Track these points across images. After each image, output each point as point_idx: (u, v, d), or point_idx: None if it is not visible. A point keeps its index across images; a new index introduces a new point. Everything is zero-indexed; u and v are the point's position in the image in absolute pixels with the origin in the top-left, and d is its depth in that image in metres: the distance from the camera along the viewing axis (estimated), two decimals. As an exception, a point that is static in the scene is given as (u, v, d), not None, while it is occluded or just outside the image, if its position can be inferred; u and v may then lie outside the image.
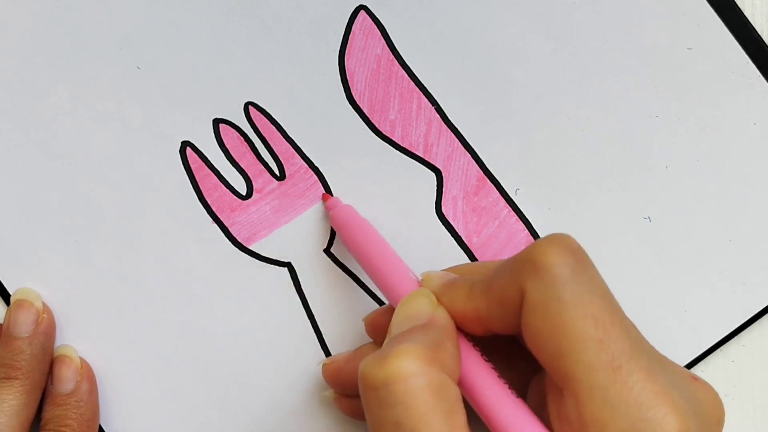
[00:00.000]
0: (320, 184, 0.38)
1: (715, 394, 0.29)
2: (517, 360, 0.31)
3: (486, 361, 0.30)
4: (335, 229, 0.38)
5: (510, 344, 0.31)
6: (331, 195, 0.38)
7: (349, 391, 0.36)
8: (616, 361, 0.26)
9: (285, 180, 0.39)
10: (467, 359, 0.29)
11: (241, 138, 0.38)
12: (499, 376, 0.29)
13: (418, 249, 0.39)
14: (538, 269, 0.27)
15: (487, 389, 0.29)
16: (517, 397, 0.29)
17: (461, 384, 0.29)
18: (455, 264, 0.37)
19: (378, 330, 0.35)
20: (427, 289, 0.31)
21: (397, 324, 0.30)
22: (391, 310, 0.32)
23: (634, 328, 0.28)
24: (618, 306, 0.28)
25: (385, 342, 0.30)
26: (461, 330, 0.30)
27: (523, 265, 0.28)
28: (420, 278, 0.33)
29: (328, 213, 0.38)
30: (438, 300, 0.31)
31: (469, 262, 0.38)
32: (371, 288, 0.39)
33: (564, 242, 0.28)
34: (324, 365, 0.36)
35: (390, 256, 0.34)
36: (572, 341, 0.26)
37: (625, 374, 0.26)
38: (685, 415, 0.26)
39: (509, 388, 0.29)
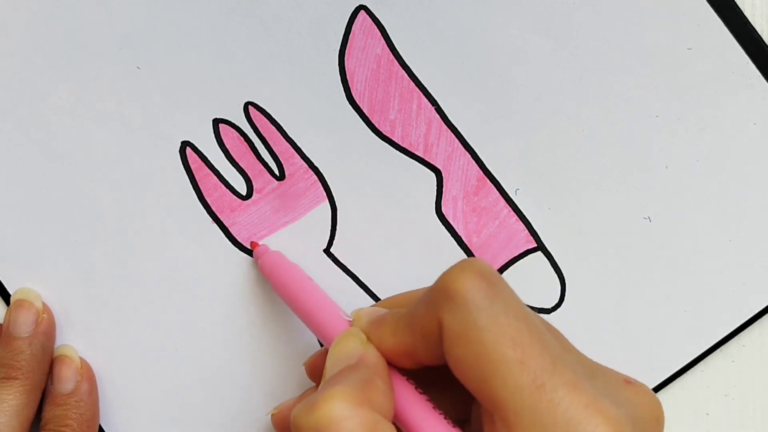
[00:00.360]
0: (320, 184, 0.38)
1: (651, 395, 0.29)
2: (456, 388, 0.31)
3: (420, 393, 0.30)
4: (264, 277, 0.37)
5: (447, 373, 0.31)
6: (259, 245, 0.38)
7: None
8: (539, 380, 0.26)
9: (285, 180, 0.39)
10: (401, 394, 0.29)
11: (241, 138, 0.38)
12: (434, 408, 0.29)
13: (418, 249, 0.39)
14: (451, 298, 0.27)
15: (422, 421, 0.28)
16: (454, 427, 0.28)
17: (397, 419, 0.29)
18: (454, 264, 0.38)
19: (317, 373, 0.35)
20: (356, 329, 0.31)
21: (329, 367, 0.30)
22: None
23: (555, 344, 0.27)
24: (536, 324, 0.27)
25: (319, 387, 0.30)
26: (394, 366, 0.30)
27: (438, 296, 0.28)
28: (350, 318, 0.33)
29: (256, 261, 0.38)
30: (368, 338, 0.31)
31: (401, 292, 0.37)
32: (371, 288, 0.39)
33: (475, 267, 0.28)
34: (273, 415, 0.36)
35: (320, 298, 0.34)
36: (494, 365, 0.26)
37: (549, 391, 0.26)
38: (618, 422, 0.26)
39: (445, 418, 0.29)
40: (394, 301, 0.34)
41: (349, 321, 0.32)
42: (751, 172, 0.39)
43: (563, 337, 0.29)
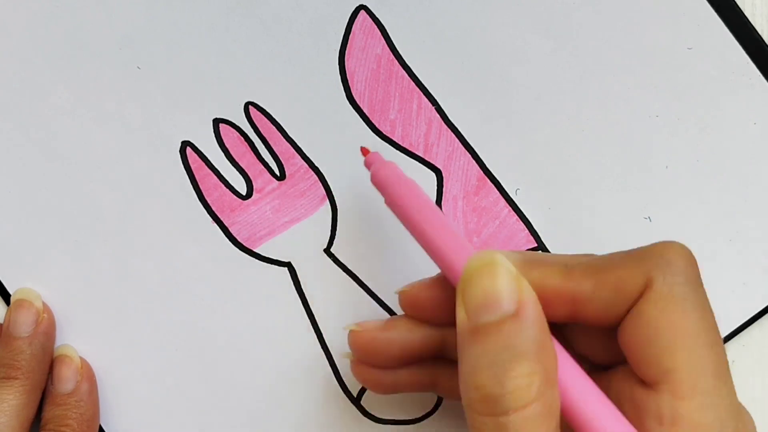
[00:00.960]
0: (320, 184, 0.39)
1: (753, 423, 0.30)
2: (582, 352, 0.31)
3: (569, 353, 0.29)
4: (377, 189, 0.34)
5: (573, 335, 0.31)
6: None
7: (374, 361, 0.34)
8: (719, 369, 0.27)
9: (285, 180, 0.39)
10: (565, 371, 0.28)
11: (241, 138, 0.38)
12: (582, 369, 0.28)
13: (419, 249, 0.39)
14: (671, 265, 0.28)
15: (577, 387, 0.27)
16: (600, 391, 0.28)
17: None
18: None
19: (418, 306, 0.32)
20: (501, 256, 0.27)
21: (475, 304, 0.26)
22: (436, 285, 0.31)
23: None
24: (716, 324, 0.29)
25: (462, 327, 0.26)
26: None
27: (653, 258, 0.28)
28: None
29: (369, 170, 0.35)
30: (523, 276, 0.27)
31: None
32: (371, 288, 0.39)
33: (688, 251, 0.29)
34: (353, 332, 0.33)
35: (445, 222, 0.31)
36: (686, 339, 0.27)
37: (727, 382, 0.27)
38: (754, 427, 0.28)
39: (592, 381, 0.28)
40: (531, 255, 0.31)
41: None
42: (751, 172, 0.39)
43: None
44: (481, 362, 0.25)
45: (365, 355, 0.34)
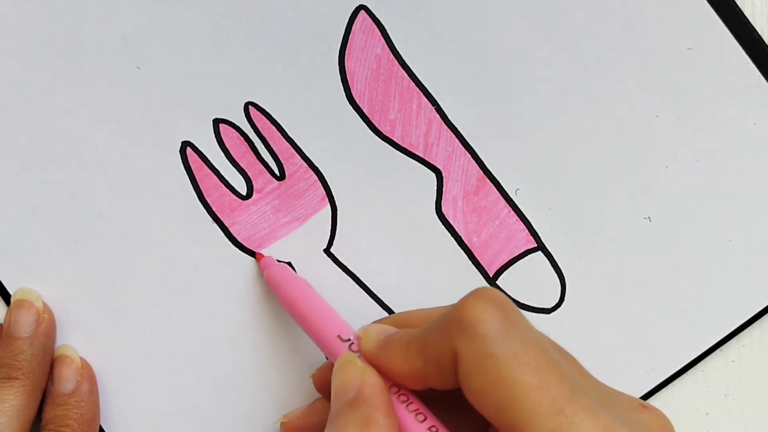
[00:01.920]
0: (320, 184, 0.39)
1: (665, 419, 0.29)
2: (468, 411, 0.31)
3: (422, 422, 0.30)
4: (270, 290, 0.38)
5: (460, 396, 0.31)
6: (263, 256, 0.38)
7: None
8: (558, 404, 0.26)
9: (285, 180, 0.39)
10: (405, 423, 0.30)
11: (241, 138, 0.38)
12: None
13: (418, 249, 0.39)
14: (466, 328, 0.28)
15: None
16: None
17: None
18: (454, 264, 0.38)
19: (325, 386, 0.35)
20: (352, 354, 0.32)
21: (333, 397, 0.31)
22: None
23: (572, 371, 0.28)
24: (552, 352, 0.28)
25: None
26: (404, 386, 0.31)
27: (452, 325, 0.28)
28: (352, 337, 0.33)
29: (262, 273, 0.38)
30: (376, 359, 0.31)
31: (408, 310, 0.36)
32: (371, 288, 0.39)
33: (490, 296, 0.28)
34: (282, 424, 0.37)
35: (324, 316, 0.34)
36: (512, 391, 0.26)
37: (569, 415, 0.26)
38: None
39: None
40: (402, 319, 0.34)
41: (350, 342, 0.32)
42: (751, 172, 0.39)
43: (578, 363, 0.30)
44: None
45: None
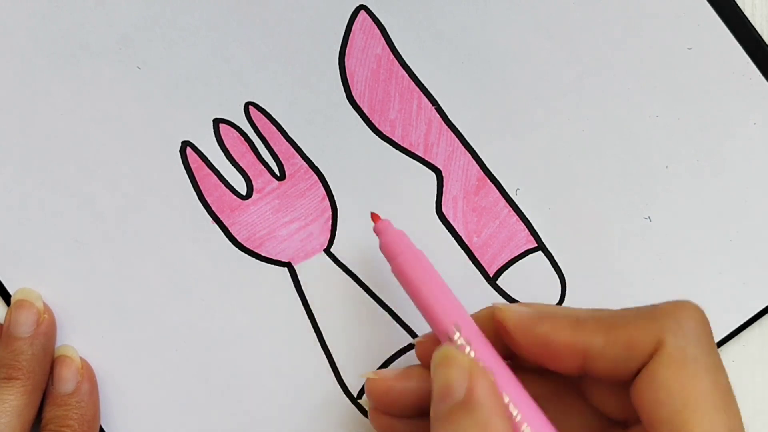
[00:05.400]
0: (320, 184, 0.39)
1: None
2: (581, 406, 0.32)
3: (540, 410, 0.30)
4: (385, 257, 0.35)
5: (569, 397, 0.31)
6: (378, 217, 0.36)
7: (390, 410, 0.35)
8: None
9: (285, 180, 0.39)
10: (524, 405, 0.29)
11: (241, 138, 0.38)
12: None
13: (418, 249, 0.39)
14: (682, 327, 0.28)
15: None
16: None
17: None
18: (454, 263, 0.38)
19: (427, 357, 0.33)
20: (452, 348, 0.31)
21: (437, 395, 0.30)
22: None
23: (739, 413, 0.29)
24: (730, 385, 0.29)
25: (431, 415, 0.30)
26: (545, 365, 0.30)
27: (665, 318, 0.29)
28: (468, 320, 0.32)
29: (378, 238, 0.36)
30: (531, 329, 0.30)
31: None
32: (371, 288, 0.39)
33: (701, 312, 0.29)
34: (370, 380, 0.34)
35: (439, 295, 0.33)
36: (699, 401, 0.27)
37: None
38: None
39: None
40: (541, 307, 0.33)
41: (454, 331, 0.31)
42: (751, 172, 0.39)
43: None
44: None
45: (381, 404, 0.34)
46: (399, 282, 0.34)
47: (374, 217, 0.36)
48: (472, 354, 0.31)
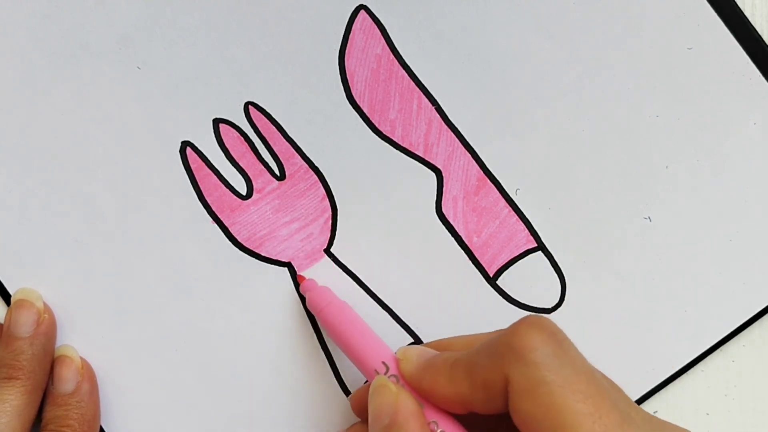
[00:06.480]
0: (320, 184, 0.39)
1: None
2: None
3: None
4: (312, 312, 0.37)
5: (501, 420, 0.31)
6: (303, 278, 0.38)
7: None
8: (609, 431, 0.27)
9: (285, 180, 0.39)
10: None
11: (241, 138, 0.38)
12: None
13: (418, 249, 0.39)
14: (519, 356, 0.28)
15: None
16: None
17: None
18: (454, 263, 0.38)
19: (362, 409, 0.35)
20: (385, 378, 0.32)
21: (370, 423, 0.31)
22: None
23: (622, 401, 0.28)
24: (603, 382, 0.28)
25: None
26: (444, 410, 0.31)
27: (504, 351, 0.28)
28: (387, 364, 0.33)
29: (305, 296, 0.38)
30: (418, 382, 0.31)
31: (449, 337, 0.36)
32: (371, 288, 0.39)
33: (543, 326, 0.29)
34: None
35: (364, 340, 0.34)
36: (565, 417, 0.27)
37: None
38: None
39: None
40: (443, 344, 0.34)
41: (384, 367, 0.33)
42: (751, 172, 0.39)
43: (626, 394, 0.30)
44: None
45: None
46: (327, 333, 0.36)
47: (300, 278, 0.38)
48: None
